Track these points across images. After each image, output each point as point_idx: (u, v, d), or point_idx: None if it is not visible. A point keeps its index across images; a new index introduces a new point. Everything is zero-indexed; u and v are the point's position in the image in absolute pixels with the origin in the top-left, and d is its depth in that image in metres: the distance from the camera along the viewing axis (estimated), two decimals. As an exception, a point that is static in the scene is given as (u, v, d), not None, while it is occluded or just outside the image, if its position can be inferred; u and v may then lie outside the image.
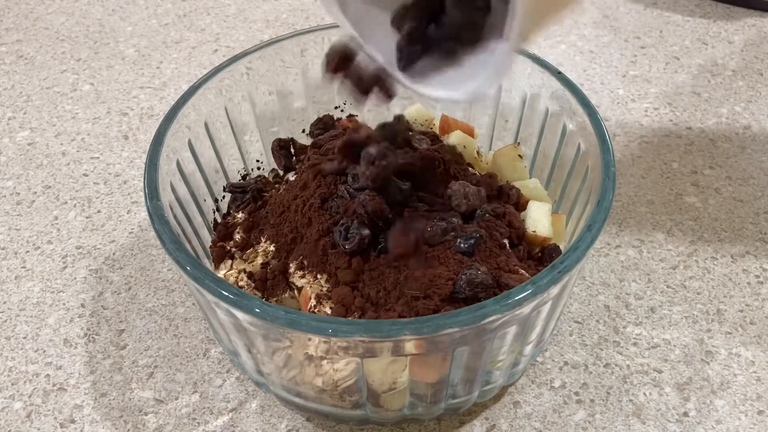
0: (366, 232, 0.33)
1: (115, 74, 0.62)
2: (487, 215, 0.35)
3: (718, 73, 0.61)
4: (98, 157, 0.54)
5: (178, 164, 0.38)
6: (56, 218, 0.50)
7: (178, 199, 0.37)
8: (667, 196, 0.50)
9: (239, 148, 0.44)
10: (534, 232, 0.37)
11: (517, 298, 0.28)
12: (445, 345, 0.29)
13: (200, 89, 0.39)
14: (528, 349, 0.35)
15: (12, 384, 0.40)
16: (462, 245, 0.33)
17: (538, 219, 0.37)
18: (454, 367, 0.32)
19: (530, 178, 0.43)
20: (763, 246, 0.47)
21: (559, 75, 0.39)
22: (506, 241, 0.35)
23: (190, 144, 0.39)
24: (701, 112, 0.57)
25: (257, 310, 0.28)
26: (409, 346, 0.29)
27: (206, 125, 0.40)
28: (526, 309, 0.29)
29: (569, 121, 0.39)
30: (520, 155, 0.41)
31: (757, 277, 0.45)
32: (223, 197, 0.42)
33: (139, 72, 0.62)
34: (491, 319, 0.28)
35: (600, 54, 0.63)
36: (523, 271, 0.34)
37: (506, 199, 0.38)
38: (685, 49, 0.64)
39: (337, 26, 0.44)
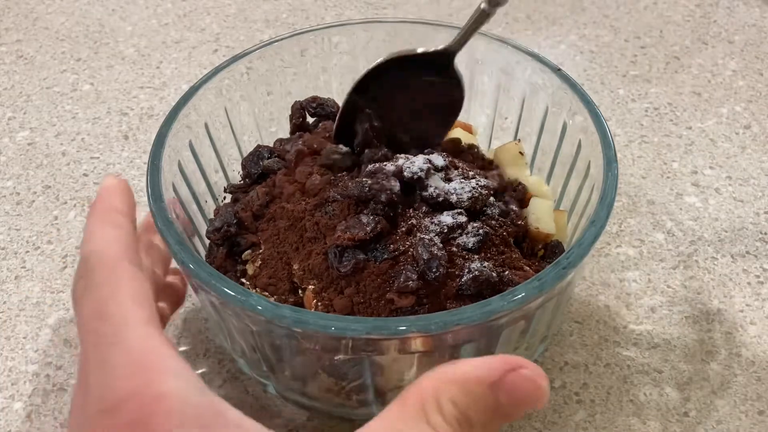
0: (361, 256, 0.32)
1: (115, 74, 0.62)
2: (492, 212, 0.35)
3: (718, 73, 0.61)
4: (98, 157, 0.54)
5: (180, 165, 0.38)
6: (56, 218, 0.50)
7: (180, 199, 0.37)
8: (667, 196, 0.50)
9: (239, 149, 0.44)
10: (537, 228, 0.37)
11: (523, 294, 0.28)
12: (452, 342, 0.29)
13: (200, 89, 0.39)
14: (533, 346, 0.35)
15: (12, 384, 0.40)
16: (468, 242, 0.33)
17: (542, 215, 0.37)
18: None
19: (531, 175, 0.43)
20: (763, 246, 0.47)
21: (558, 72, 0.39)
22: (511, 239, 0.35)
23: (191, 144, 0.39)
24: (701, 112, 0.57)
25: (263, 309, 0.28)
26: (417, 344, 0.29)
27: (206, 126, 0.40)
28: (532, 305, 0.29)
29: (569, 118, 0.39)
30: (521, 152, 0.41)
31: (757, 277, 0.45)
32: (224, 198, 0.42)
33: (139, 72, 0.62)
34: (498, 315, 0.28)
35: (600, 54, 0.63)
36: (527, 268, 0.34)
37: (512, 195, 0.38)
38: (685, 49, 0.64)
39: (337, 26, 0.44)
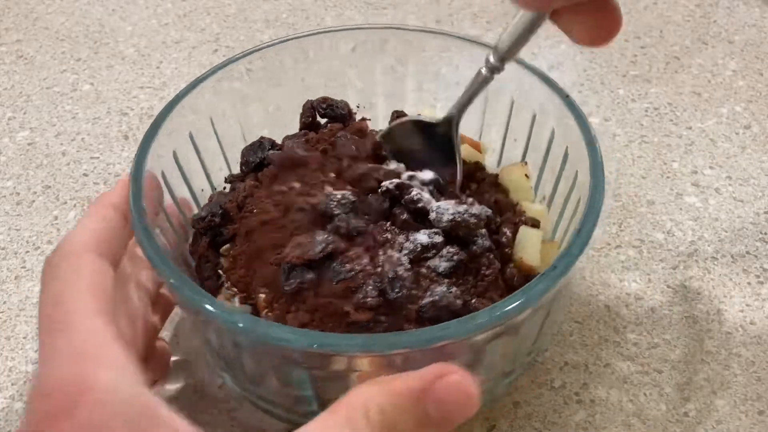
0: (309, 276, 0.31)
1: (115, 74, 0.62)
2: (482, 243, 0.34)
3: (718, 73, 0.61)
4: (98, 157, 0.54)
5: (175, 155, 0.38)
6: (56, 218, 0.50)
7: (171, 191, 0.37)
8: (667, 196, 0.50)
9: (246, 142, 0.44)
10: (521, 258, 0.35)
11: (475, 323, 0.27)
12: (399, 364, 0.28)
13: (196, 89, 0.39)
14: (494, 379, 0.34)
15: (12, 384, 0.40)
16: (439, 266, 0.32)
17: (528, 246, 0.36)
18: None
19: (535, 197, 0.41)
20: (763, 246, 0.47)
21: (567, 99, 0.37)
22: (489, 271, 0.34)
23: (190, 137, 0.39)
24: (701, 112, 0.57)
25: (210, 309, 0.28)
26: (358, 364, 0.28)
27: (212, 122, 0.41)
28: (484, 336, 0.28)
29: (571, 146, 0.37)
30: (526, 174, 0.40)
31: (757, 277, 0.45)
32: (225, 188, 0.42)
33: (139, 72, 0.62)
34: (445, 342, 0.27)
35: (600, 54, 0.63)
36: (498, 298, 0.33)
37: (513, 221, 0.37)
38: (685, 49, 0.64)
39: (341, 30, 0.44)
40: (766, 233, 0.48)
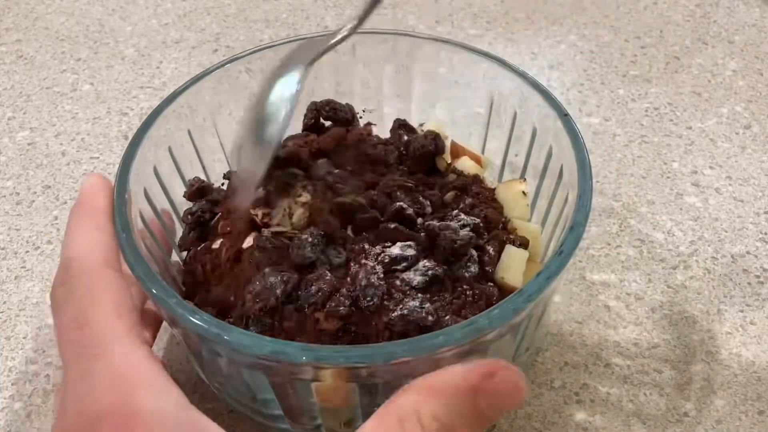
0: (269, 320, 0.31)
1: (115, 74, 0.62)
2: (472, 270, 0.33)
3: (718, 73, 0.61)
4: (98, 157, 0.54)
5: (169, 153, 0.38)
6: (56, 218, 0.50)
7: (165, 190, 0.37)
8: (667, 196, 0.50)
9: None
10: (503, 278, 0.34)
11: (427, 344, 0.26)
12: (351, 377, 0.28)
13: (195, 85, 0.39)
14: None
15: (12, 384, 0.40)
16: (413, 279, 0.31)
17: (512, 266, 0.34)
18: (364, 400, 0.30)
19: (531, 216, 0.40)
20: (763, 246, 0.47)
21: (565, 117, 0.36)
22: (470, 291, 0.33)
23: (192, 136, 0.39)
24: (701, 112, 0.57)
25: (178, 311, 0.28)
26: (324, 374, 0.28)
27: (213, 119, 0.41)
28: (442, 355, 0.27)
29: (566, 167, 0.36)
30: (524, 191, 0.39)
31: (757, 277, 0.45)
32: (222, 184, 0.42)
33: (139, 72, 0.62)
34: (398, 361, 0.26)
35: (600, 54, 0.63)
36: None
37: (506, 237, 0.36)
38: (685, 49, 0.64)
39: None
40: (766, 233, 0.48)
